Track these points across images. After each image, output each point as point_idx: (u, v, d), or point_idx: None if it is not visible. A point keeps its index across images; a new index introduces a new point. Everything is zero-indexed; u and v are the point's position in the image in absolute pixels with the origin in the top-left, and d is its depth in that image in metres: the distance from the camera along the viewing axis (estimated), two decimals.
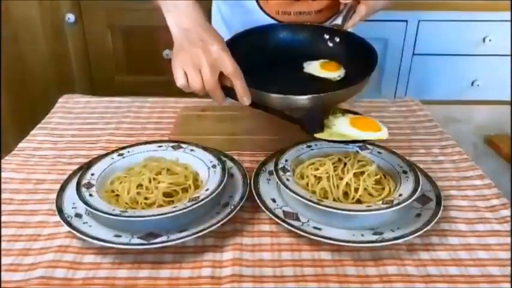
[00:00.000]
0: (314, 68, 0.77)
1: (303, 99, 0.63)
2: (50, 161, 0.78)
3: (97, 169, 0.67)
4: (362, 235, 0.57)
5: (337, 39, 0.81)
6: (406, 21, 1.64)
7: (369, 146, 0.72)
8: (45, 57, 1.71)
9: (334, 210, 0.57)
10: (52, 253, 0.57)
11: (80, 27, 1.69)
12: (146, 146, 0.73)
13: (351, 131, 0.64)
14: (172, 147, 0.73)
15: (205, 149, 0.72)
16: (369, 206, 0.58)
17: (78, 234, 0.57)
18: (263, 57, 0.75)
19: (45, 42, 1.70)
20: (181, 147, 0.73)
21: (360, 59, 0.73)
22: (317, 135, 0.64)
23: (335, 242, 0.56)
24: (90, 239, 0.56)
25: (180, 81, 0.65)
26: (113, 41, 1.71)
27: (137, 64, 1.75)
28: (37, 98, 1.70)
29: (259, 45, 0.78)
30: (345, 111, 0.69)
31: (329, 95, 0.65)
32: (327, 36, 0.81)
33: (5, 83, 1.73)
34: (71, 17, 1.66)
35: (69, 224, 0.58)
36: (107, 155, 0.71)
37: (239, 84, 0.63)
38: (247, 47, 0.75)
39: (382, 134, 0.64)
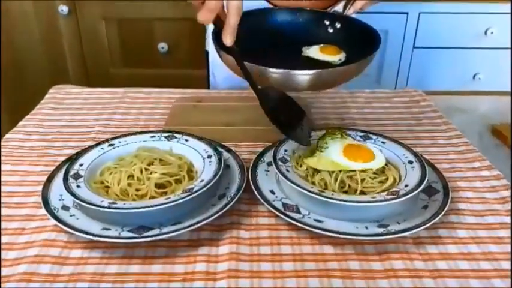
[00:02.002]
0: (314, 51, 0.73)
1: (303, 74, 0.60)
2: (38, 152, 0.74)
3: (86, 159, 0.63)
4: (366, 228, 0.54)
5: (338, 25, 0.78)
6: (407, 13, 1.61)
7: (372, 136, 0.69)
8: (38, 49, 1.68)
9: (337, 202, 0.54)
10: (37, 247, 0.54)
11: (73, 19, 1.66)
12: (138, 136, 0.69)
13: (342, 160, 0.60)
14: (166, 137, 0.69)
15: (200, 139, 0.68)
16: (373, 197, 0.55)
17: (64, 228, 0.53)
18: (261, 40, 0.72)
19: (39, 34, 1.66)
20: (175, 137, 0.69)
21: (362, 43, 0.70)
22: (305, 160, 0.61)
23: (337, 235, 0.53)
24: (77, 233, 0.53)
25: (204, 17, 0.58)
26: (108, 33, 1.68)
27: (132, 57, 1.71)
28: (30, 91, 1.66)
29: (256, 28, 0.75)
30: (345, 133, 0.66)
31: (330, 71, 0.61)
32: (327, 22, 0.78)
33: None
34: (64, 9, 1.63)
35: (55, 217, 0.55)
36: (97, 145, 0.67)
37: (232, 21, 0.58)
38: (243, 29, 0.72)
39: (376, 163, 0.60)
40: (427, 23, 1.61)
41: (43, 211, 0.57)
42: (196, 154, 0.66)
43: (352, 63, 0.64)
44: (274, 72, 0.60)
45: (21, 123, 0.84)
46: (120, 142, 0.68)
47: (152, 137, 0.69)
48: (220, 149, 0.67)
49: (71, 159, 0.64)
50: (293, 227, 0.57)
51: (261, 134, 0.78)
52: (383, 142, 0.68)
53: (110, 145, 0.67)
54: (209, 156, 0.64)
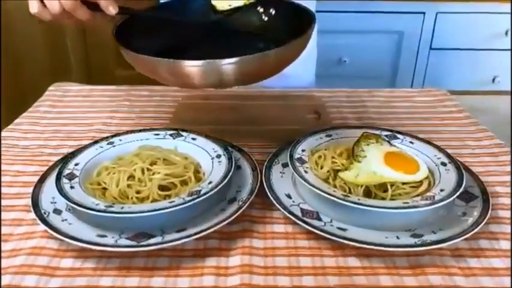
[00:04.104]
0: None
1: (228, 63, 0.49)
2: (32, 151, 0.68)
3: (82, 158, 0.58)
4: (397, 237, 0.48)
5: (273, 12, 0.70)
6: (424, 13, 1.55)
7: (398, 136, 0.62)
8: (40, 48, 1.63)
9: (364, 208, 0.47)
10: (24, 256, 0.48)
11: None
12: (140, 134, 0.63)
13: (386, 171, 0.52)
14: (171, 135, 0.63)
15: (208, 137, 0.62)
16: (405, 203, 0.48)
17: (54, 233, 0.47)
18: (188, 36, 0.65)
19: (40, 31, 1.61)
20: (181, 135, 0.63)
21: (300, 26, 0.60)
22: (341, 175, 0.53)
23: (365, 246, 0.46)
24: (68, 239, 0.47)
25: (33, 6, 0.56)
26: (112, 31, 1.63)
27: None
28: (32, 90, 1.61)
29: (181, 20, 0.67)
30: (380, 138, 0.58)
31: (258, 56, 0.50)
32: (261, 10, 0.71)
33: None
34: None
35: (45, 221, 0.49)
36: (94, 143, 0.61)
37: None
38: (161, 20, 0.66)
39: (421, 174, 0.53)
40: (444, 23, 1.55)
41: (32, 215, 0.51)
42: (204, 154, 0.59)
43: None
44: (191, 66, 0.49)
45: (17, 120, 0.78)
46: (120, 140, 0.62)
47: (156, 135, 0.63)
48: (230, 149, 0.60)
49: (66, 159, 0.58)
50: (313, 236, 0.50)
51: (273, 134, 0.72)
52: (411, 142, 0.61)
53: (109, 143, 0.61)
54: (218, 156, 0.58)
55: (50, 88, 0.91)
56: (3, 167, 0.64)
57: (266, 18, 0.70)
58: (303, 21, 0.60)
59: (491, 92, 1.57)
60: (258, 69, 0.53)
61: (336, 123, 0.75)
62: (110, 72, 1.66)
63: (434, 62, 1.61)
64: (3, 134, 0.73)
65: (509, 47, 1.57)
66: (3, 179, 0.61)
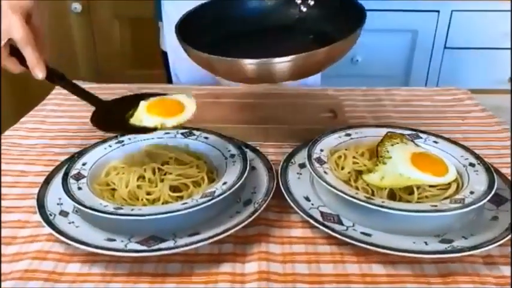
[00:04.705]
0: None
1: (283, 61, 0.51)
2: (37, 150, 0.66)
3: (90, 158, 0.55)
4: (425, 243, 0.44)
5: (311, 2, 0.69)
6: (438, 11, 1.50)
7: (421, 135, 0.59)
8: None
9: (390, 211, 0.44)
10: (28, 260, 0.45)
11: (86, 18, 1.59)
12: (151, 133, 0.61)
13: (413, 172, 0.49)
14: (183, 134, 0.60)
15: (222, 136, 0.60)
16: (434, 206, 0.45)
17: (60, 237, 0.45)
18: (228, 30, 0.66)
19: (49, 31, 1.60)
20: (193, 134, 0.60)
21: (342, 18, 0.61)
22: (365, 178, 0.50)
23: (391, 252, 0.43)
24: (75, 243, 0.44)
25: None
26: (121, 32, 1.61)
27: (146, 57, 1.63)
28: (39, 90, 1.60)
29: (222, 17, 0.67)
30: (404, 138, 0.55)
31: (312, 54, 0.52)
32: (298, 1, 0.70)
33: (6, 74, 1.63)
34: (77, 7, 1.56)
35: (50, 224, 0.46)
36: (103, 142, 0.59)
37: (28, 53, 0.53)
38: (209, 18, 0.66)
39: (450, 176, 0.49)
40: (459, 21, 1.51)
41: (38, 217, 0.48)
42: (217, 153, 0.57)
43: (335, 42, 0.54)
44: (250, 64, 0.52)
45: (23, 119, 0.76)
46: (130, 139, 0.59)
47: (167, 133, 0.60)
48: (244, 148, 0.57)
49: (73, 158, 0.55)
50: (334, 241, 0.47)
51: (286, 133, 0.69)
52: (435, 142, 0.58)
53: (118, 142, 0.58)
54: (232, 156, 0.55)
55: (58, 86, 0.89)
56: (6, 167, 0.61)
57: (305, 9, 0.69)
58: (344, 12, 0.61)
59: (506, 91, 1.53)
60: (309, 66, 0.55)
61: (353, 123, 0.72)
62: (118, 72, 1.64)
63: (448, 61, 1.57)
64: (7, 133, 0.71)
65: None
66: (6, 179, 0.59)
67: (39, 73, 0.54)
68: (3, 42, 0.53)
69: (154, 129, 0.51)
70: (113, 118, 0.53)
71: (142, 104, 0.53)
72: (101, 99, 0.56)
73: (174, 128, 0.51)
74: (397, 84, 1.56)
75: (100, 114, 0.54)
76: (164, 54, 0.99)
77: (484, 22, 1.50)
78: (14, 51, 0.55)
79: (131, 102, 0.55)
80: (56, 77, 0.56)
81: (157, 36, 1.07)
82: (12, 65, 0.56)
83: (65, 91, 0.86)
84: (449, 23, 1.52)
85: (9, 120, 0.78)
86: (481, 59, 1.55)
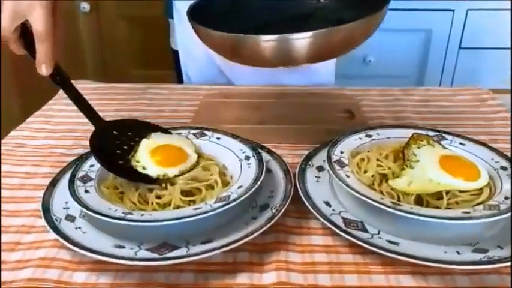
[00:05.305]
0: None
1: (305, 37, 0.48)
2: (44, 151, 0.64)
3: None
4: (458, 253, 0.41)
5: None
6: (453, 10, 1.47)
7: (447, 136, 0.56)
8: None
9: (420, 218, 0.41)
10: (32, 268, 0.42)
11: (94, 17, 1.57)
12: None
13: (444, 177, 0.45)
14: (194, 134, 0.58)
15: (235, 137, 0.57)
16: (466, 213, 0.42)
17: (65, 243, 0.42)
18: (242, 18, 0.62)
19: None
20: (205, 134, 0.58)
21: (363, 6, 0.55)
22: (392, 183, 0.47)
23: (421, 262, 0.40)
24: (82, 251, 0.41)
25: None
26: (129, 32, 1.59)
27: (154, 57, 1.61)
28: (45, 90, 1.58)
29: (237, 4, 0.64)
30: (431, 139, 0.52)
31: (334, 30, 0.49)
32: None
33: (14, 74, 1.62)
34: (85, 6, 1.55)
35: (56, 229, 0.43)
36: None
37: (43, 48, 0.51)
38: (222, 6, 0.62)
39: (483, 180, 0.46)
40: (475, 21, 1.47)
41: (43, 221, 0.45)
42: (231, 154, 0.54)
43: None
44: (268, 40, 0.49)
45: (28, 119, 0.74)
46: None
47: (178, 134, 0.57)
48: (259, 150, 0.54)
49: (81, 159, 0.53)
50: (358, 250, 0.44)
51: (301, 134, 0.66)
52: (462, 144, 0.55)
53: None
54: (247, 158, 0.52)
55: None
56: (11, 168, 0.59)
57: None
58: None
59: None
60: (329, 45, 0.51)
61: (372, 122, 0.69)
62: (125, 72, 1.62)
63: (463, 61, 1.53)
64: (12, 133, 0.68)
65: None
66: (11, 181, 0.56)
67: (45, 70, 0.52)
68: (18, 23, 0.50)
69: (156, 179, 0.49)
70: (113, 154, 0.51)
71: (145, 145, 0.52)
72: (100, 118, 0.55)
73: (176, 176, 0.49)
74: (411, 85, 1.53)
75: (100, 139, 0.52)
76: (175, 53, 0.96)
77: (500, 21, 1.46)
78: (23, 34, 0.52)
79: (132, 128, 0.54)
80: (59, 80, 0.54)
81: (167, 35, 1.04)
82: (15, 47, 0.53)
83: None
84: (465, 22, 1.48)
85: (16, 121, 0.76)
86: (498, 60, 1.51)
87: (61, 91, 0.83)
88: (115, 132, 0.53)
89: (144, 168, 0.49)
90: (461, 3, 1.45)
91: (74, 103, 0.55)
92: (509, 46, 1.50)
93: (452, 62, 1.54)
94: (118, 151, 0.51)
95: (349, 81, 0.89)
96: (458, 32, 1.49)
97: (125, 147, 0.52)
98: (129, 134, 0.54)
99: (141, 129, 0.54)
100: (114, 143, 0.52)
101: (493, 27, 1.48)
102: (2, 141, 0.66)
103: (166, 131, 0.56)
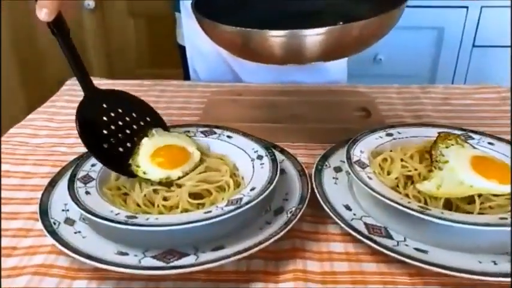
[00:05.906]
0: None
1: (317, 33, 0.45)
2: (45, 150, 0.60)
3: None
4: (494, 263, 0.37)
5: None
6: (467, 7, 1.43)
7: (473, 136, 0.52)
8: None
9: (452, 224, 0.37)
10: (28, 275, 0.39)
11: (99, 15, 1.54)
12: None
13: (476, 180, 0.42)
14: (203, 132, 0.54)
15: (247, 135, 0.53)
16: (503, 219, 0.38)
17: (63, 249, 0.38)
18: (250, 15, 0.57)
19: None
20: (215, 132, 0.54)
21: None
22: (420, 187, 0.43)
23: (453, 273, 0.36)
24: (81, 258, 0.38)
25: None
26: (135, 30, 1.56)
27: (161, 56, 1.58)
28: (51, 87, 1.56)
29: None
30: (459, 138, 0.48)
31: (348, 27, 0.46)
32: None
33: (19, 71, 1.59)
34: (90, 3, 1.52)
35: (54, 234, 0.40)
36: None
37: None
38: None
39: None
40: (489, 18, 1.43)
41: (41, 225, 0.42)
42: (242, 154, 0.50)
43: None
44: (277, 36, 0.46)
45: (29, 116, 0.71)
46: None
47: (186, 131, 0.54)
48: (273, 149, 0.51)
49: (82, 158, 0.49)
50: (382, 258, 0.40)
51: (316, 133, 0.63)
52: (490, 143, 0.51)
53: None
54: (259, 157, 0.49)
55: (68, 82, 0.84)
56: (11, 168, 0.56)
57: None
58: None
59: None
60: (342, 43, 0.48)
61: (390, 121, 0.65)
62: (132, 70, 1.59)
63: (477, 60, 1.49)
64: (12, 130, 0.65)
65: None
66: (10, 181, 0.53)
67: (44, 16, 0.45)
68: None
69: (159, 183, 0.45)
70: (100, 136, 0.47)
71: (145, 150, 0.48)
72: (93, 87, 0.51)
73: (179, 178, 0.46)
74: (423, 82, 1.49)
75: (87, 111, 0.48)
76: (181, 49, 0.93)
77: None
78: None
79: (123, 104, 0.50)
80: (56, 30, 0.48)
81: (174, 32, 1.01)
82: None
83: (76, 87, 0.81)
84: (479, 20, 1.44)
85: (19, 118, 0.73)
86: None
87: (64, 87, 0.82)
88: (104, 106, 0.49)
89: (144, 173, 0.46)
90: (475, 0, 1.41)
91: (69, 63, 0.50)
92: None
93: (466, 61, 1.50)
94: (105, 131, 0.48)
95: (359, 80, 0.86)
96: (472, 29, 1.45)
97: (112, 126, 0.48)
98: (120, 111, 0.49)
99: (134, 107, 0.50)
100: (101, 120, 0.48)
101: (508, 25, 1.43)
102: (2, 138, 0.62)
103: (161, 119, 0.52)
